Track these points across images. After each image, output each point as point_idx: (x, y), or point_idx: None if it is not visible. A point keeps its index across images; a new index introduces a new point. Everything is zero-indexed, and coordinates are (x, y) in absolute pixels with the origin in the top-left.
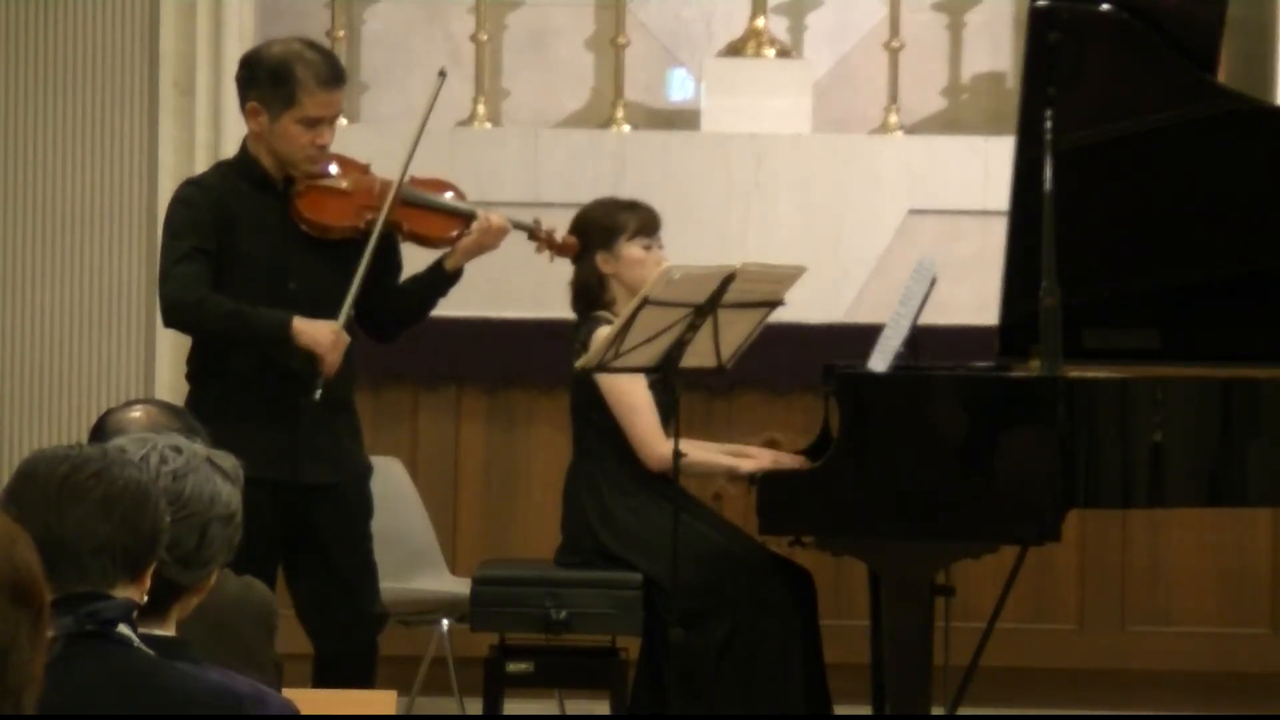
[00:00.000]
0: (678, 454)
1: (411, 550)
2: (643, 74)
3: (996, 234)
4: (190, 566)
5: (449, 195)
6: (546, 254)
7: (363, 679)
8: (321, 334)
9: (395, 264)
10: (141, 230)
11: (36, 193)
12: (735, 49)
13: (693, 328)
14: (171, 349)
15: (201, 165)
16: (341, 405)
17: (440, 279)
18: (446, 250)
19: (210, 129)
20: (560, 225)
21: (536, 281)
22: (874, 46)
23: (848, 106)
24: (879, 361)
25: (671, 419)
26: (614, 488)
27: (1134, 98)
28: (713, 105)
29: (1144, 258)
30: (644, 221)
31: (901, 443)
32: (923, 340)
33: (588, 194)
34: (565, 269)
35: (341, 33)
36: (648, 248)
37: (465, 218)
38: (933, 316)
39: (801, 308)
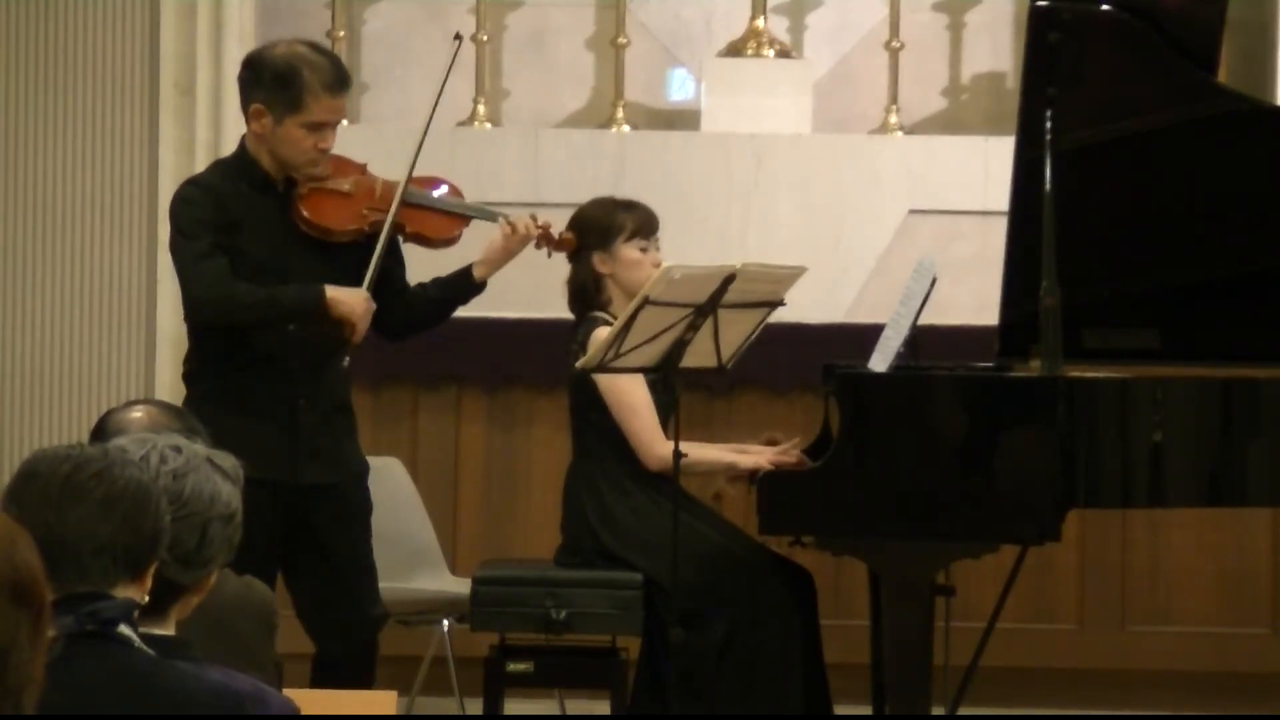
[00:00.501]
0: (678, 454)
1: (411, 550)
2: (643, 74)
3: (996, 234)
4: (190, 566)
5: (446, 192)
6: (545, 250)
7: (363, 679)
8: (356, 302)
9: (398, 261)
10: (142, 231)
11: (37, 193)
12: (735, 49)
13: (693, 328)
14: (171, 349)
15: (201, 165)
16: (341, 406)
17: (468, 288)
18: (447, 247)
19: (210, 129)
20: (560, 226)
21: (536, 281)
22: (874, 46)
23: (848, 106)
24: (879, 361)
25: (671, 419)
26: (614, 488)
27: (1134, 98)
28: (713, 105)
29: (1144, 258)
30: (641, 222)
31: (901, 443)
32: (923, 340)
33: (588, 194)
34: (565, 269)
35: (342, 33)
36: (644, 249)
37: (466, 218)
38: (933, 316)
39: (801, 308)
